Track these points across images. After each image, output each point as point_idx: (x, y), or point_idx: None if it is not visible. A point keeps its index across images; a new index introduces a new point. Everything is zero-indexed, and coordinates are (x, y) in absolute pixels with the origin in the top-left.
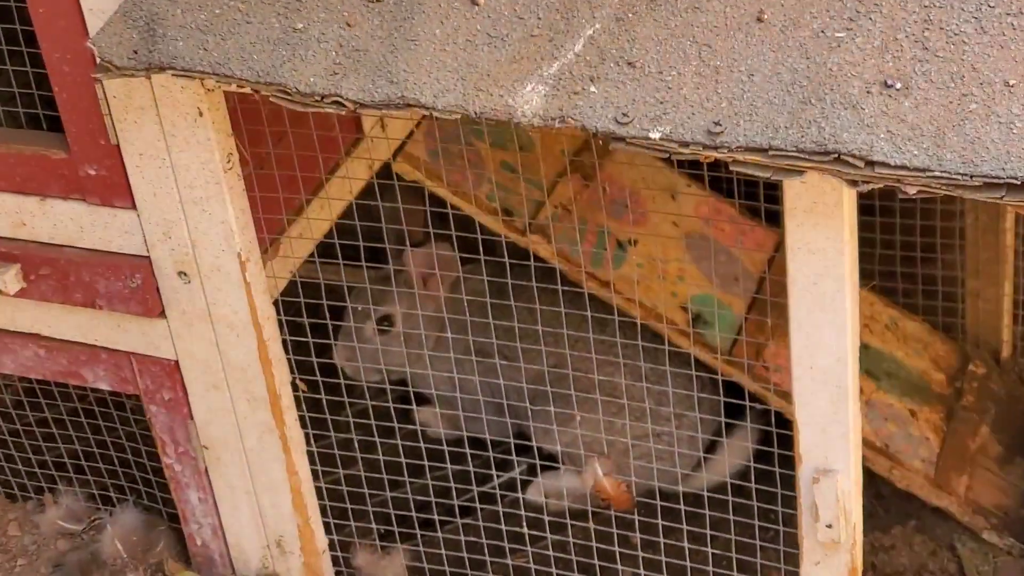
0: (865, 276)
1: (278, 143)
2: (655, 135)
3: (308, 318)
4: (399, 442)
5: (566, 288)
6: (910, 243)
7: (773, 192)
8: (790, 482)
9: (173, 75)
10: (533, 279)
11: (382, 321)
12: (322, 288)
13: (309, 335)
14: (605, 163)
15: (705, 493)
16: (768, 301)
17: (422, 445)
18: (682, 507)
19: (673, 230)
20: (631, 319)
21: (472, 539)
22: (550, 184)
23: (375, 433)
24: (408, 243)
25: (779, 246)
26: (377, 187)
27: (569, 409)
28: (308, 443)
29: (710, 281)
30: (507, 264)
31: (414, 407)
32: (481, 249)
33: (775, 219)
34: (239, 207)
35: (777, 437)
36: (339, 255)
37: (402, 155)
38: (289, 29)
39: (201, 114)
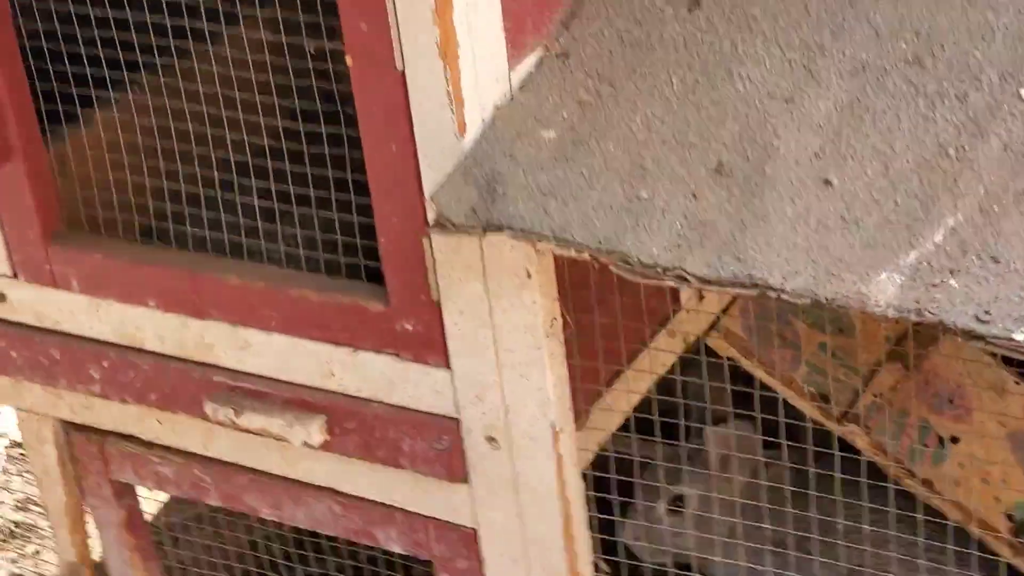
0: None
1: (592, 310)
2: (1020, 336)
3: (602, 493)
4: None
5: (873, 483)
6: None
7: None
8: None
9: (511, 236)
10: (837, 469)
11: (674, 501)
12: (612, 462)
13: (617, 513)
14: (928, 354)
15: None
16: None
17: None
18: None
19: (998, 429)
20: (946, 522)
21: None
22: (869, 371)
23: None
24: (709, 422)
25: None
26: (681, 361)
27: None
28: None
29: None
30: (812, 452)
31: None
32: (784, 433)
33: None
34: (558, 375)
35: None
36: (633, 429)
37: (717, 330)
38: (633, 197)
39: (529, 276)
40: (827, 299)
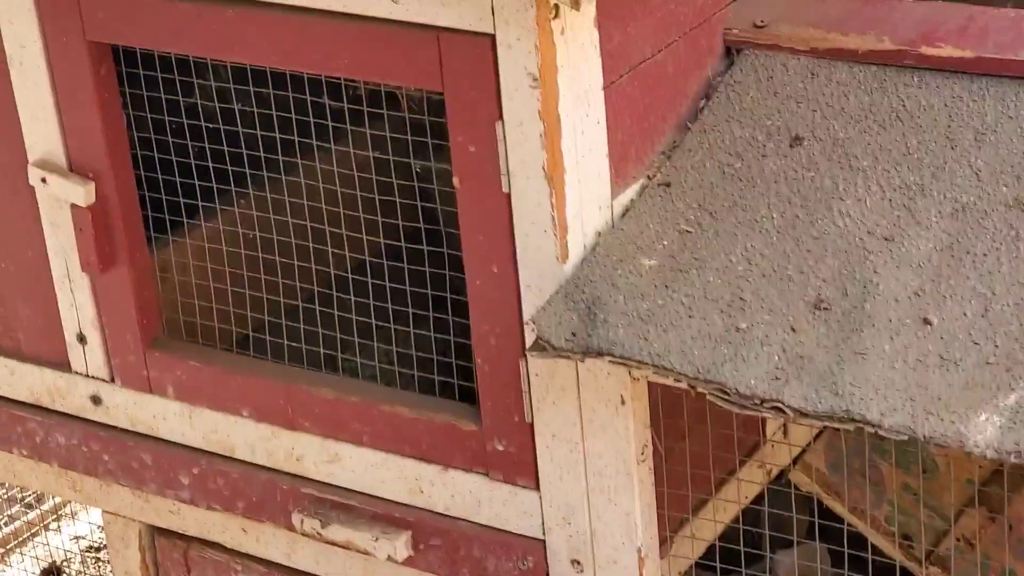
0: None
1: (681, 438)
2: None
3: None
4: None
5: None
6: None
7: None
8: None
9: (610, 362)
10: None
11: None
12: None
13: None
14: (1013, 498)
15: None
16: None
17: None
18: None
19: None
20: None
21: None
22: (953, 514)
23: None
24: (782, 549)
25: None
26: (766, 492)
27: None
28: None
29: None
30: None
31: None
32: (871, 571)
33: None
34: (646, 501)
35: None
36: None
37: (800, 464)
38: (732, 328)
39: (623, 402)
40: (925, 437)
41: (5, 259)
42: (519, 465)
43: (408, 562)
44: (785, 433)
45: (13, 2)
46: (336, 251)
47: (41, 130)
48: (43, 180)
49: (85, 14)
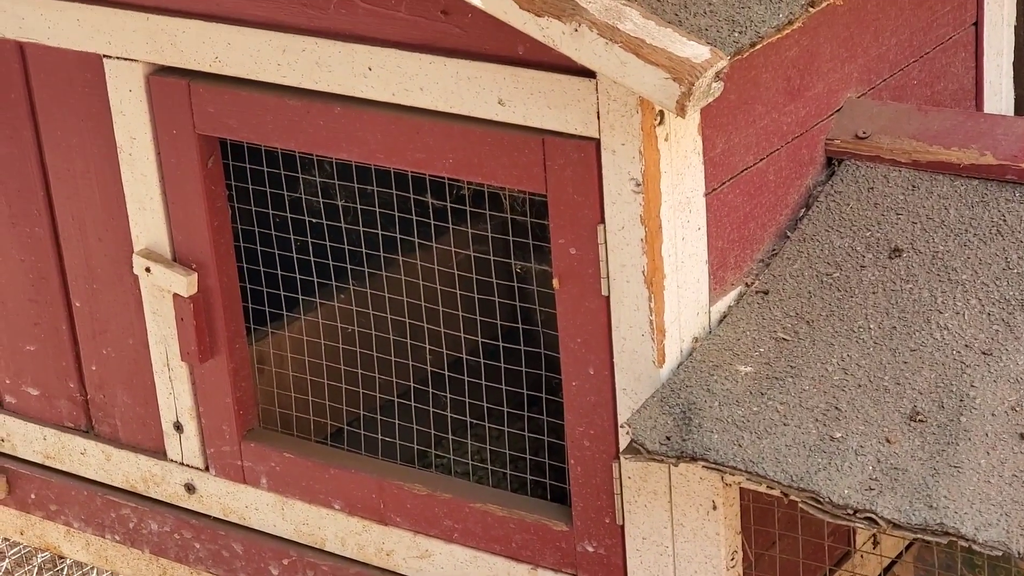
0: None
1: (771, 545)
2: None
3: None
4: None
5: None
6: None
7: None
8: None
9: (704, 467)
10: None
11: None
12: None
13: None
14: None
15: None
16: None
17: None
18: None
19: None
20: None
21: None
22: None
23: None
24: None
25: None
26: None
27: None
28: None
29: None
30: None
31: None
32: None
33: None
34: None
35: None
36: None
37: (889, 574)
38: (826, 437)
39: (715, 507)
40: (1019, 553)
41: (107, 346)
42: (609, 567)
43: None
44: (875, 544)
45: (126, 94)
46: (433, 348)
47: (147, 220)
48: (147, 270)
49: (196, 108)
